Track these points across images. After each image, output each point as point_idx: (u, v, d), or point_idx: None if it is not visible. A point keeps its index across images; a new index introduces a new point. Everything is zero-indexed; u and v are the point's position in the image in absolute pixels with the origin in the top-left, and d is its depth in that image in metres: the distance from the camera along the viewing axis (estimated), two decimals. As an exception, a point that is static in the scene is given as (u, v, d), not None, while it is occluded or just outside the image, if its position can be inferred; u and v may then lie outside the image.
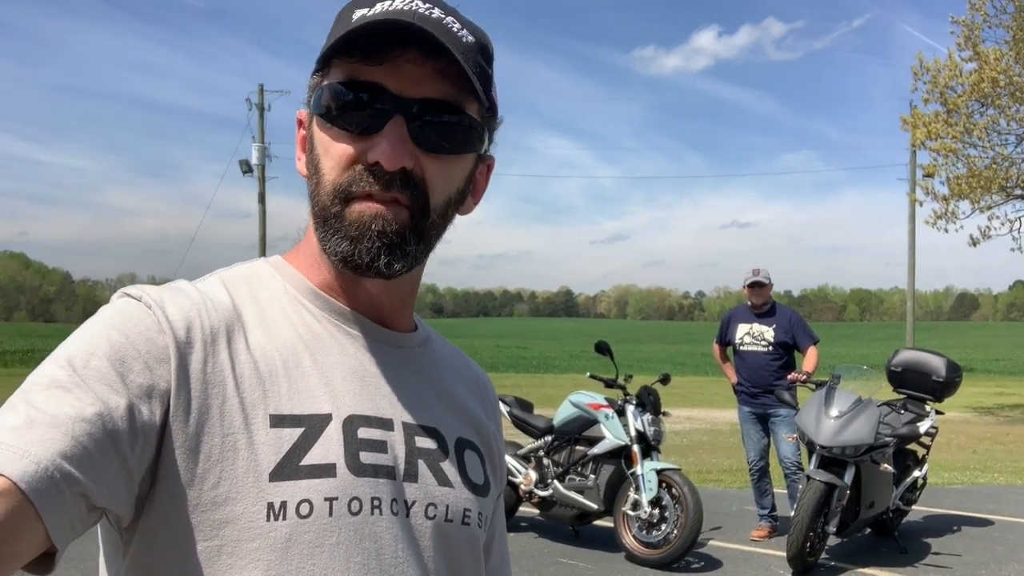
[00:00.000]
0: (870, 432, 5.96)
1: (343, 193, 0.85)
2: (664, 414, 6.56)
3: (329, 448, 0.84)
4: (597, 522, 6.72)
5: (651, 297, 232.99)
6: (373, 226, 0.85)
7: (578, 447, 6.69)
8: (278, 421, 0.83)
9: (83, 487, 0.70)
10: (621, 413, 6.41)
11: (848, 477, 5.96)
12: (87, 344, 0.78)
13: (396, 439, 0.89)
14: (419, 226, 0.87)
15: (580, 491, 6.43)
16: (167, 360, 0.80)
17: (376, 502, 0.85)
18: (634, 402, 6.42)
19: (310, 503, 0.81)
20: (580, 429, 6.66)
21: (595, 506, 6.34)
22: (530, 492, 6.62)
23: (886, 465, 6.17)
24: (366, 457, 0.86)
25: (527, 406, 7.25)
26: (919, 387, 7.07)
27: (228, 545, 0.79)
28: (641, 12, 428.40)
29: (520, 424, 7.05)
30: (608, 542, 6.46)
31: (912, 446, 6.99)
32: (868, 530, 6.89)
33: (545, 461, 6.72)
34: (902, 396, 7.18)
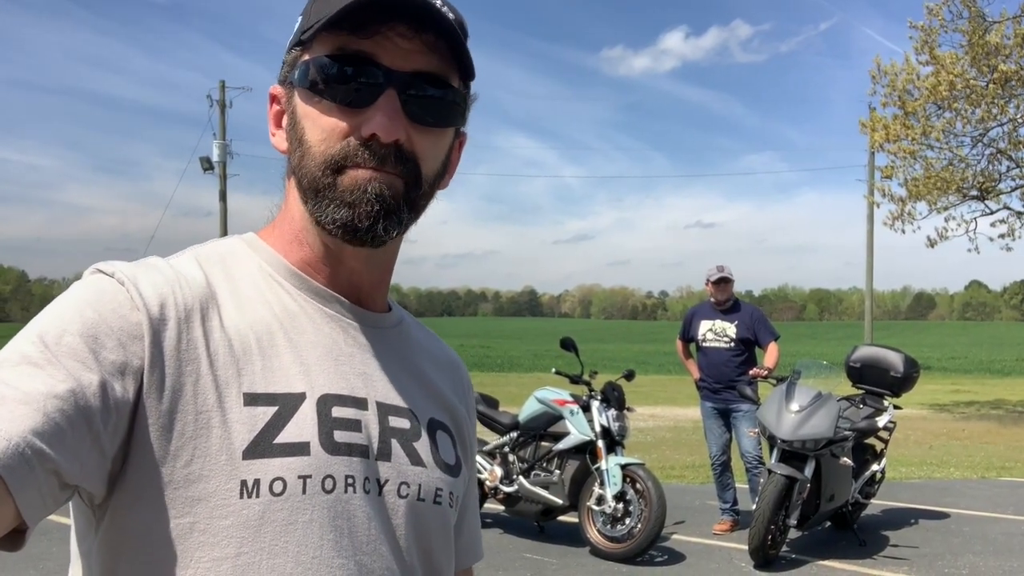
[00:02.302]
0: (830, 426, 6.06)
1: (335, 165, 0.85)
2: (629, 410, 6.61)
3: (303, 426, 0.84)
4: (562, 517, 6.74)
5: (615, 297, 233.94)
6: (370, 189, 0.85)
7: (543, 443, 6.71)
8: (252, 399, 0.82)
9: (55, 464, 0.70)
10: (586, 409, 6.44)
11: (808, 471, 6.05)
12: (59, 320, 0.78)
13: (370, 418, 0.90)
14: (411, 195, 0.88)
15: (545, 486, 6.46)
16: (140, 337, 0.79)
17: (350, 480, 0.85)
18: (599, 398, 6.46)
19: (283, 481, 0.81)
20: (545, 425, 6.68)
21: (560, 501, 6.37)
22: (495, 488, 6.63)
23: (845, 459, 6.27)
24: (340, 436, 0.86)
25: (492, 403, 7.26)
26: (877, 382, 7.20)
27: (201, 522, 0.79)
28: (611, 12, 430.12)
29: (485, 420, 7.05)
30: (573, 537, 6.50)
31: (871, 440, 7.11)
32: (828, 523, 7.01)
33: (510, 457, 6.73)
34: (861, 391, 7.31)
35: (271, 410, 0.83)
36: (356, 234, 0.87)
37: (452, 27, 0.86)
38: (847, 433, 6.29)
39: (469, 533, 1.09)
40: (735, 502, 7.11)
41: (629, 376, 6.97)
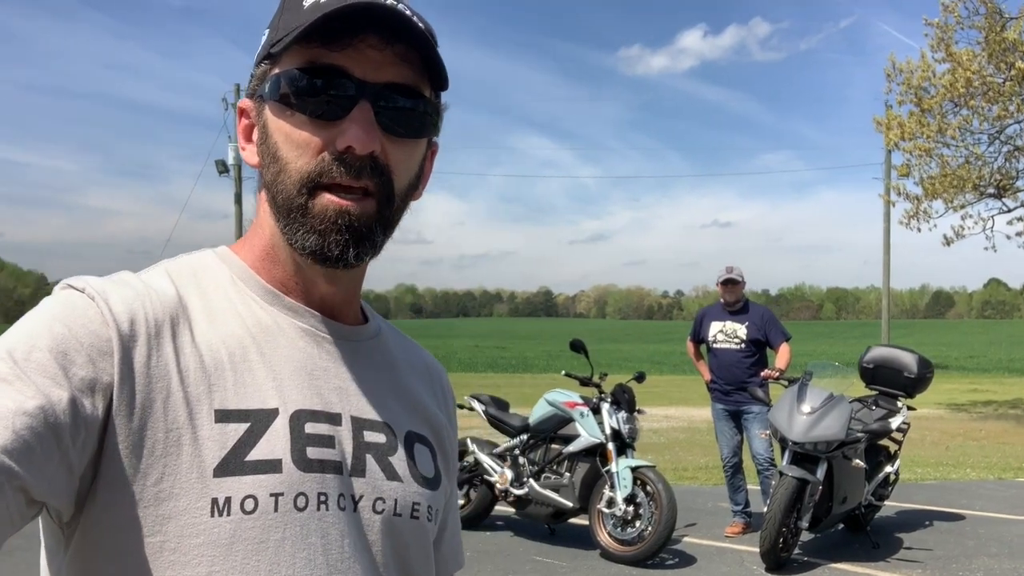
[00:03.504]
0: (842, 428, 6.01)
1: (311, 182, 0.85)
2: (639, 412, 6.58)
3: (275, 443, 0.83)
4: (572, 520, 6.73)
5: (630, 297, 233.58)
6: (340, 221, 0.84)
7: (553, 445, 6.70)
8: (223, 416, 0.81)
9: (22, 481, 0.69)
10: (596, 411, 6.42)
11: (820, 473, 6.00)
12: (28, 336, 0.77)
13: (344, 434, 0.89)
14: (385, 213, 0.88)
15: (555, 489, 6.44)
16: (110, 353, 0.78)
17: (322, 497, 0.84)
18: (609, 400, 6.44)
19: (255, 499, 0.80)
20: (556, 427, 6.67)
21: (570, 504, 6.35)
22: (506, 491, 6.62)
23: (858, 461, 6.22)
24: (313, 452, 0.85)
25: (503, 405, 7.25)
26: (891, 383, 7.14)
27: (171, 541, 0.78)
28: (629, 12, 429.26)
29: (496, 423, 7.05)
30: (583, 540, 6.48)
31: (884, 442, 7.05)
32: (841, 525, 6.95)
33: (521, 460, 6.72)
34: (874, 392, 7.25)
35: (243, 427, 0.82)
36: (327, 261, 0.86)
37: (424, 37, 0.86)
38: (859, 435, 6.24)
39: (449, 543, 1.08)
40: (747, 504, 7.07)
41: (639, 378, 6.95)
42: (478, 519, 6.96)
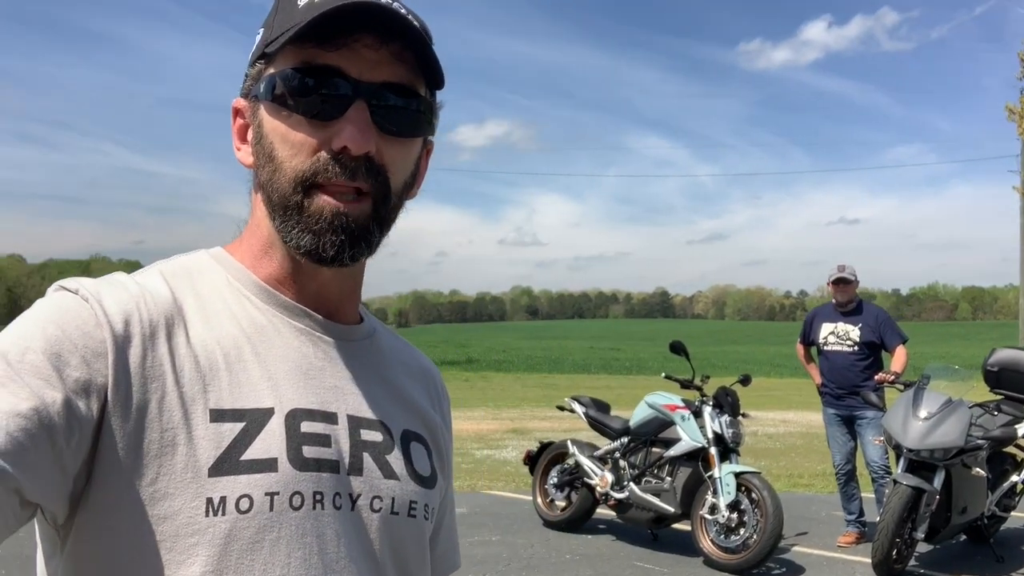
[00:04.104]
0: (961, 434, 5.69)
1: (305, 181, 0.85)
2: (744, 416, 6.41)
3: (271, 442, 0.83)
4: (676, 525, 6.61)
5: (750, 297, 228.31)
6: (335, 222, 0.85)
7: (654, 449, 6.58)
8: (218, 415, 0.82)
9: (16, 483, 0.70)
10: (698, 414, 6.28)
11: (937, 481, 5.69)
12: (22, 338, 0.78)
13: (340, 432, 0.88)
14: (380, 212, 0.88)
15: (656, 494, 6.33)
16: (104, 354, 0.79)
17: (318, 496, 0.84)
18: (711, 403, 6.29)
19: (250, 498, 0.80)
20: (656, 430, 6.55)
21: (672, 509, 6.23)
22: (606, 494, 6.55)
23: (978, 469, 5.87)
24: (309, 451, 0.85)
25: (603, 407, 7.19)
26: (1017, 387, 6.71)
27: (167, 541, 0.78)
28: (750, 5, 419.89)
29: (596, 425, 6.99)
30: (686, 546, 6.34)
31: (1010, 449, 6.65)
32: (962, 537, 6.59)
33: (621, 463, 6.64)
34: (999, 397, 6.84)
35: (238, 426, 0.82)
36: (322, 261, 0.87)
37: (419, 35, 0.85)
38: (980, 442, 5.89)
39: (445, 543, 1.08)
40: (861, 513, 6.78)
41: (744, 381, 6.75)
42: (579, 522, 6.92)
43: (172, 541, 0.78)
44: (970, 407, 6.10)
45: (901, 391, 6.35)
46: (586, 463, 6.76)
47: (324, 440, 0.87)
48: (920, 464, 5.76)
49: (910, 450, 5.72)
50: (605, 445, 6.89)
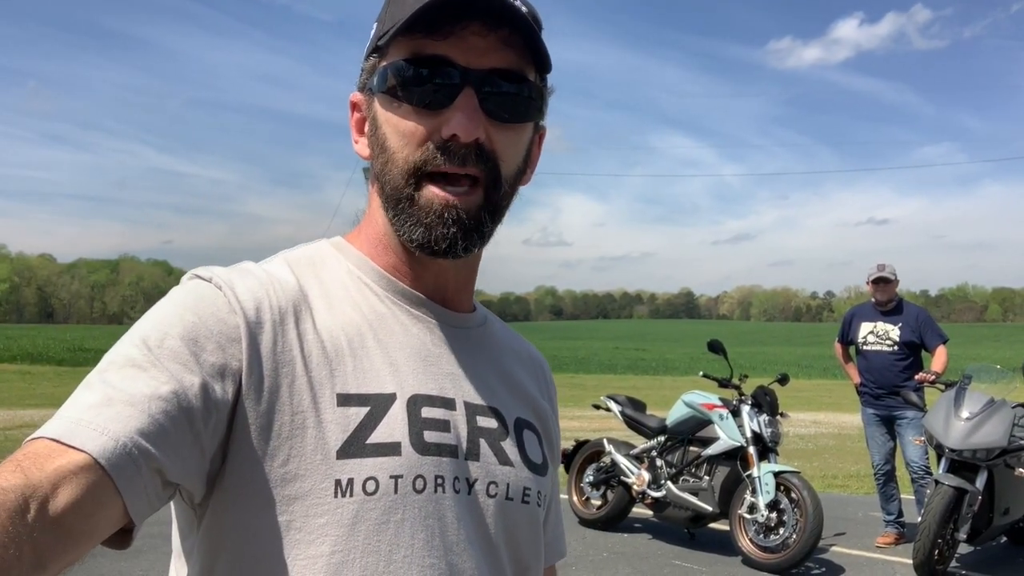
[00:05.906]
0: (1004, 434, 5.64)
1: (417, 171, 0.87)
2: (782, 415, 6.38)
3: (394, 427, 0.85)
4: (713, 525, 6.59)
5: (776, 298, 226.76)
6: (446, 215, 0.86)
7: (692, 448, 6.57)
8: (344, 400, 0.84)
9: (159, 463, 0.73)
10: (736, 414, 6.26)
11: (980, 482, 5.64)
12: (161, 324, 0.81)
13: (458, 418, 0.90)
14: (492, 199, 0.89)
15: (694, 492, 6.32)
16: (238, 340, 0.81)
17: (439, 480, 0.86)
18: (749, 402, 6.27)
19: (376, 481, 0.82)
20: (693, 429, 6.54)
21: (709, 508, 6.22)
22: (643, 493, 6.55)
23: (1021, 470, 5.81)
24: (430, 436, 0.87)
25: (640, 406, 7.18)
26: (1060, 388, 6.63)
27: (297, 520, 0.81)
28: (780, 3, 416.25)
29: (632, 424, 6.99)
30: (724, 545, 6.33)
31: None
32: (1004, 538, 6.52)
33: (658, 462, 6.63)
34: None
35: (363, 411, 0.84)
36: (435, 253, 0.88)
37: (526, 21, 0.86)
38: (1023, 442, 5.83)
39: (552, 531, 1.09)
40: (900, 514, 6.73)
41: (782, 380, 6.72)
42: (615, 520, 6.92)
43: (302, 521, 0.81)
44: (1012, 407, 6.04)
45: (942, 391, 6.30)
46: (623, 461, 6.76)
47: (444, 425, 0.89)
48: (962, 464, 5.71)
49: (952, 450, 5.67)
50: (641, 444, 6.89)
